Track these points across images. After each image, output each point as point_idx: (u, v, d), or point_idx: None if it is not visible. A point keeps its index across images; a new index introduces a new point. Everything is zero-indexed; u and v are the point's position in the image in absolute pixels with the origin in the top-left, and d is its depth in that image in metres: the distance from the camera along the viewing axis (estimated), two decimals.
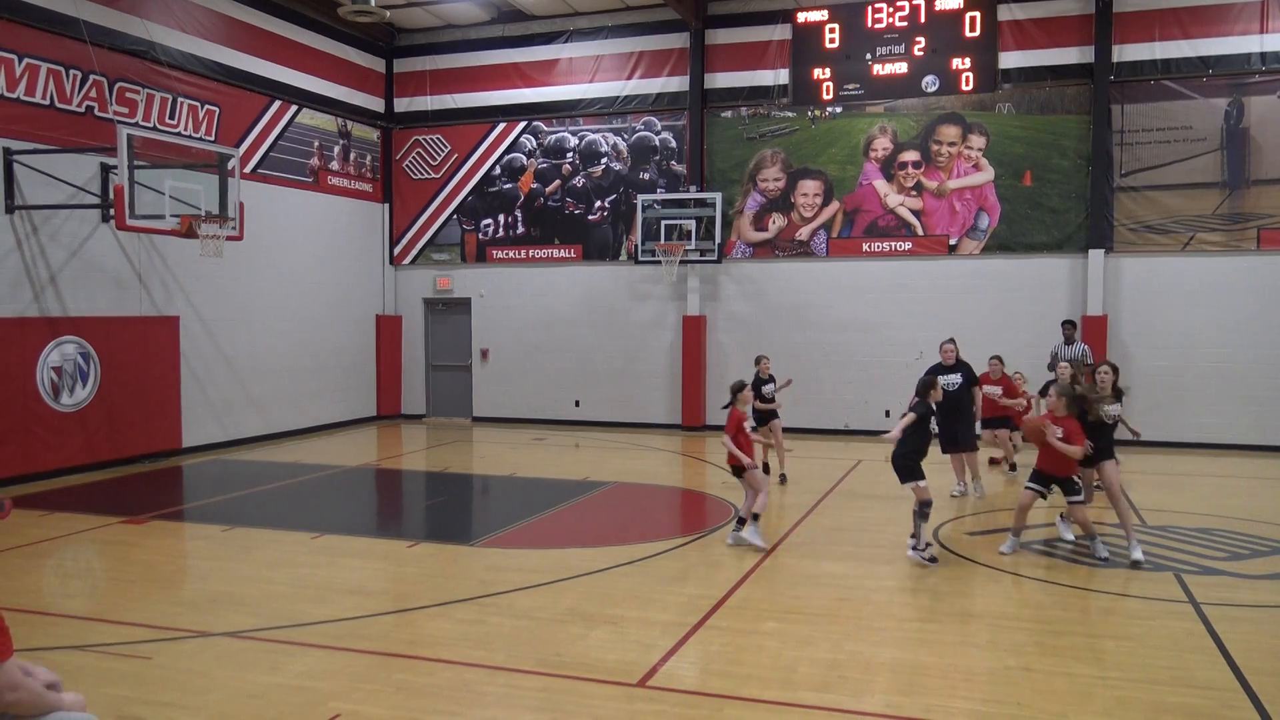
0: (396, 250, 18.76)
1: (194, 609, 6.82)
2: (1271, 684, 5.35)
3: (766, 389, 11.40)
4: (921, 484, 7.83)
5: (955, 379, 10.22)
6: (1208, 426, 14.45)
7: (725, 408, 8.74)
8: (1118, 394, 8.31)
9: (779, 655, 5.82)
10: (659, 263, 16.50)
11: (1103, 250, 14.84)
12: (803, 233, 16.41)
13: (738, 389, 8.60)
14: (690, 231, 16.36)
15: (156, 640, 6.10)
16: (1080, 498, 8.08)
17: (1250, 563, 8.01)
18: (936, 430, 8.80)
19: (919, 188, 15.80)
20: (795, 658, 5.78)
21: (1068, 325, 13.80)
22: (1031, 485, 8.13)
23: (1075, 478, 8.07)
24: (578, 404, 17.56)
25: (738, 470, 8.49)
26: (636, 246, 16.75)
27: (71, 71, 12.15)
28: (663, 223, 16.48)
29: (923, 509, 7.84)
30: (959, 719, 4.95)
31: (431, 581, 7.55)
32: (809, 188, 16.36)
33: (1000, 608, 6.82)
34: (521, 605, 6.86)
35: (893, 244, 15.93)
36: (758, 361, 11.65)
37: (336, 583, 7.48)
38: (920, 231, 15.81)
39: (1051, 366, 13.84)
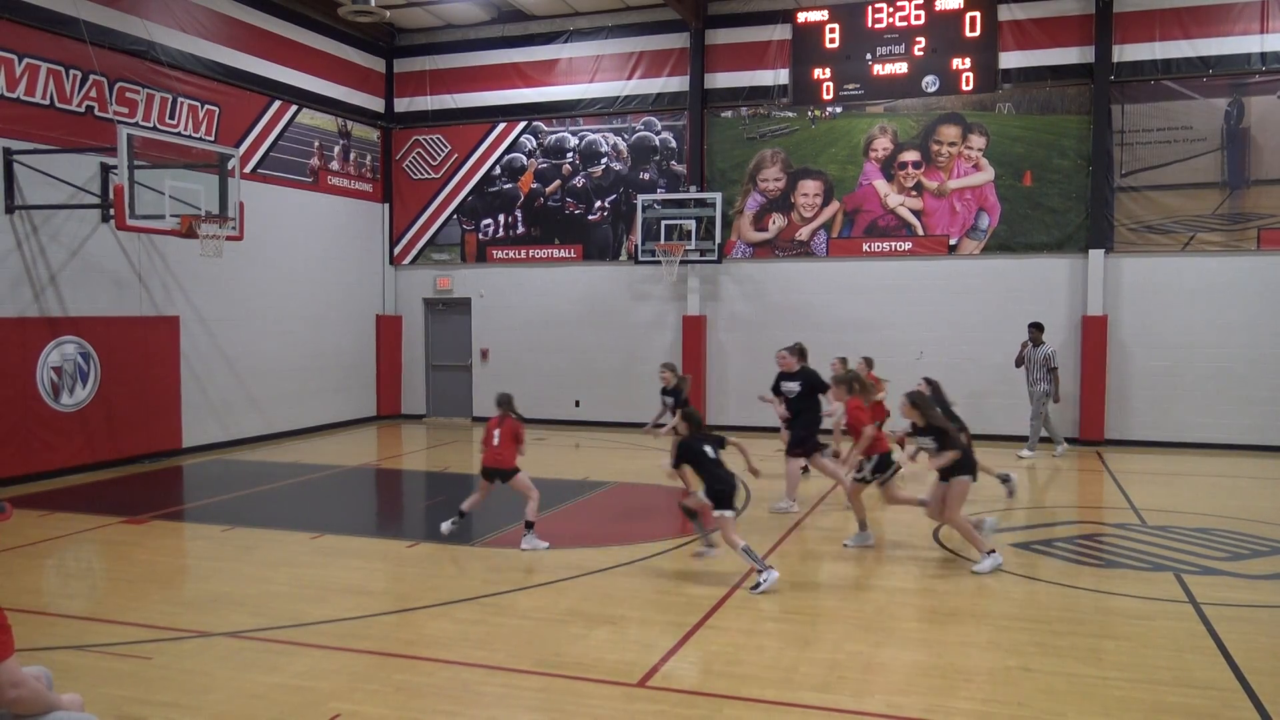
0: (396, 250, 18.76)
1: (194, 609, 6.82)
2: (1271, 684, 5.35)
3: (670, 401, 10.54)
4: (730, 514, 7.35)
5: (794, 386, 10.12)
6: (1207, 426, 14.45)
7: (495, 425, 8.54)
8: (933, 431, 7.81)
9: (779, 655, 5.83)
10: (659, 263, 16.50)
11: (1103, 250, 14.84)
12: (803, 233, 16.41)
13: (505, 401, 8.62)
14: (690, 231, 16.35)
15: (156, 640, 6.10)
16: (862, 477, 8.61)
17: (1250, 563, 8.01)
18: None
19: (919, 188, 15.80)
20: (795, 658, 5.78)
21: (1034, 327, 13.82)
22: (856, 475, 8.70)
23: (864, 460, 8.58)
24: (578, 404, 17.56)
25: (502, 475, 8.45)
26: (636, 246, 16.75)
27: (71, 71, 12.15)
28: (663, 223, 16.48)
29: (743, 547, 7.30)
30: (959, 719, 4.95)
31: (431, 581, 7.55)
32: (809, 188, 16.36)
33: (1000, 608, 6.82)
34: (521, 605, 6.87)
35: (893, 244, 15.93)
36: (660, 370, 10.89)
37: (336, 583, 7.48)
38: (920, 231, 15.80)
39: (1019, 364, 13.91)
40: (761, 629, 6.34)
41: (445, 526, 8.66)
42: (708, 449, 7.50)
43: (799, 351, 10.46)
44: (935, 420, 7.91)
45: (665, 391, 10.74)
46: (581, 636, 6.18)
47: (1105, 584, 7.39)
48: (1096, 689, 5.30)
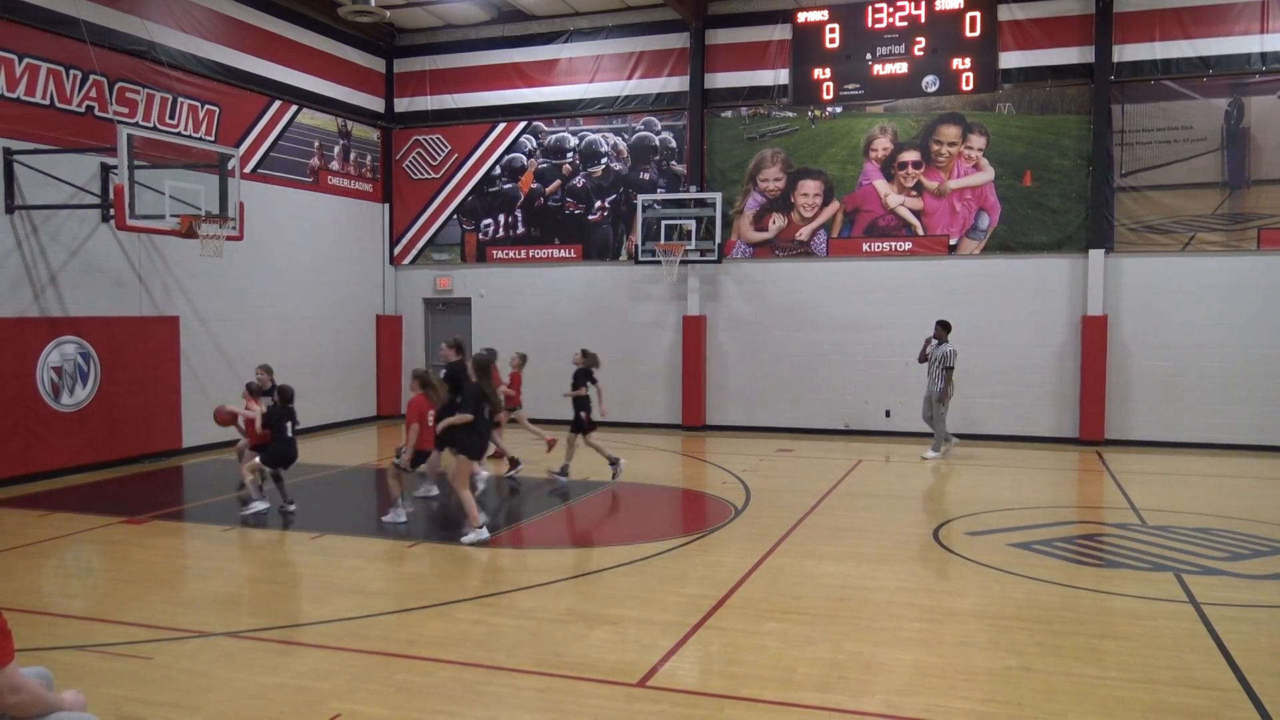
0: (396, 250, 18.76)
1: (194, 609, 6.82)
2: (1271, 684, 5.35)
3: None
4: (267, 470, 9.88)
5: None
6: (1208, 426, 14.44)
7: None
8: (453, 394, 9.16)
9: (779, 655, 5.82)
10: (659, 263, 16.50)
11: (1103, 250, 14.84)
12: (803, 233, 16.41)
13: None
14: (690, 231, 16.35)
15: (156, 640, 6.10)
16: (400, 465, 9.69)
17: (1250, 563, 8.01)
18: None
19: (919, 188, 15.79)
20: (795, 658, 5.78)
21: (940, 325, 13.75)
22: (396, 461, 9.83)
23: (399, 451, 9.82)
24: None
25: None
26: (637, 246, 16.75)
27: (71, 71, 12.15)
28: (663, 223, 16.47)
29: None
30: (959, 719, 4.95)
31: (431, 581, 7.55)
32: (809, 188, 16.36)
33: (1000, 608, 6.81)
34: (521, 605, 6.87)
35: (893, 244, 15.93)
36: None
37: (336, 583, 7.48)
38: (920, 231, 15.80)
39: (921, 360, 13.89)
40: (761, 629, 6.33)
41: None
42: (287, 423, 9.81)
43: (456, 345, 10.54)
44: (437, 394, 9.56)
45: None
46: (581, 636, 6.18)
47: (1105, 584, 7.39)
48: (1097, 689, 5.30)
